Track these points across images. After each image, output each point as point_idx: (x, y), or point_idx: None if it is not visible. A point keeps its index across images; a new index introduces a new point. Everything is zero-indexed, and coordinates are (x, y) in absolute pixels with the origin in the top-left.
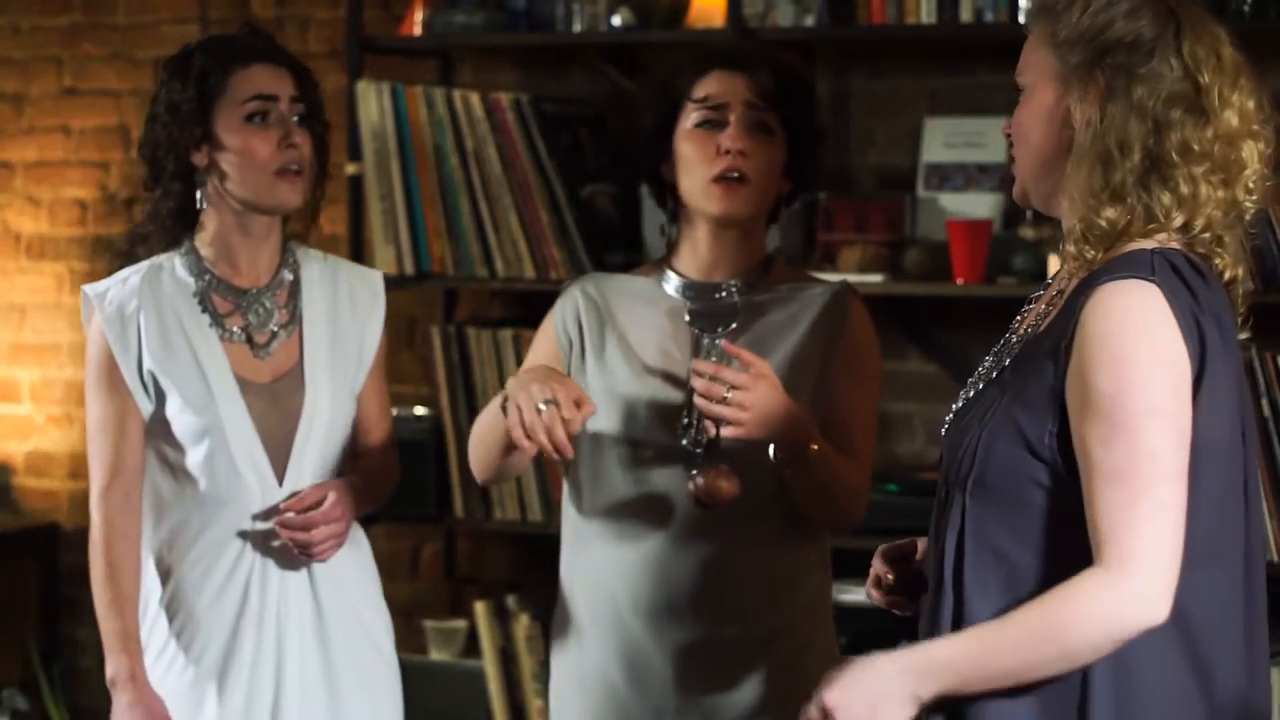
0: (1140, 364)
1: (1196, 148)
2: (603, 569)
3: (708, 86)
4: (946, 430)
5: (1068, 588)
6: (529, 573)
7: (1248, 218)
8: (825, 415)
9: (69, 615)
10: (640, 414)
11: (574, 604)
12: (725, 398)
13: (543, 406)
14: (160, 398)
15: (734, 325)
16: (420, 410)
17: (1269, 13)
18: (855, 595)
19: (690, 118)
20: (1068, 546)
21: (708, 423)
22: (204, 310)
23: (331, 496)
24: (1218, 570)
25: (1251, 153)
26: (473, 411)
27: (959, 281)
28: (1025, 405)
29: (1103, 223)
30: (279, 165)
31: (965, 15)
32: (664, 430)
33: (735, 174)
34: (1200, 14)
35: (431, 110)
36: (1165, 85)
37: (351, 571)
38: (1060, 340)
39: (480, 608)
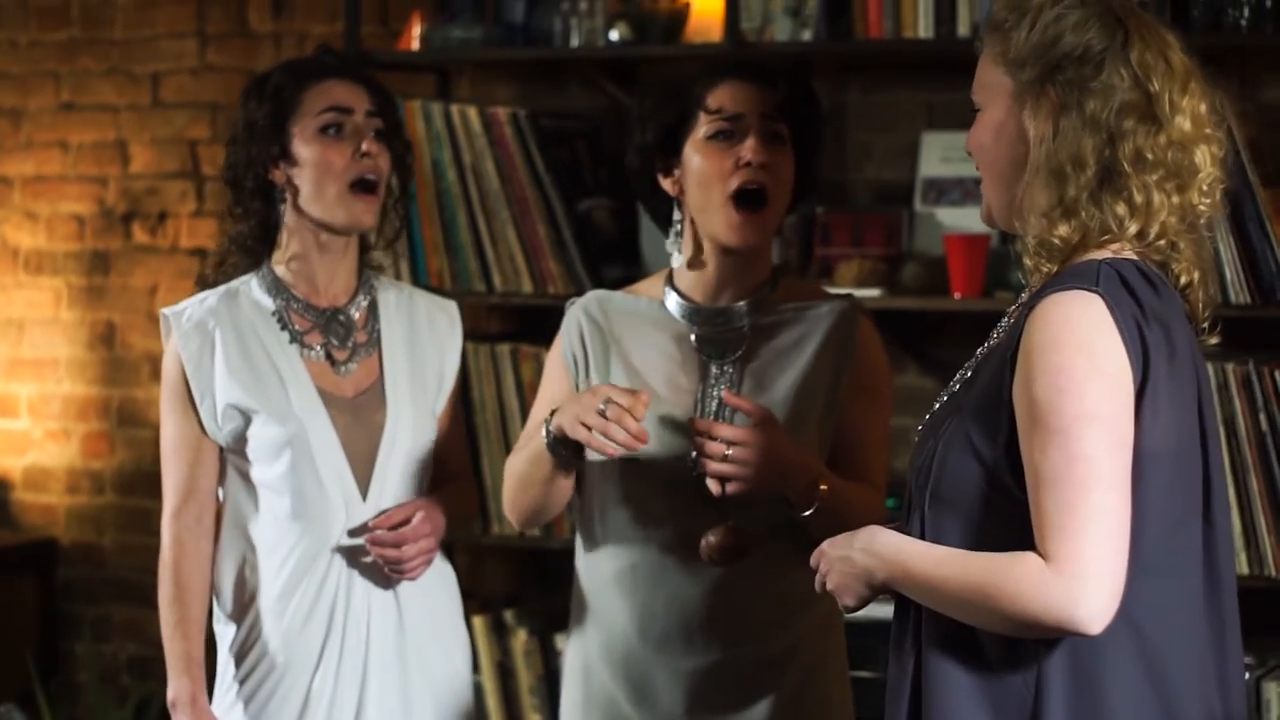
0: (1076, 371)
1: (1150, 156)
2: (612, 594)
3: (721, 97)
4: (915, 443)
5: (1014, 558)
6: (527, 588)
7: (1203, 221)
8: (838, 438)
9: (66, 630)
10: (650, 443)
11: (584, 628)
12: (726, 455)
13: (607, 410)
14: (243, 417)
15: (741, 351)
16: None
17: (1265, 27)
18: (860, 611)
19: (703, 129)
20: None
21: (711, 482)
22: (283, 328)
23: (419, 514)
24: (1171, 580)
25: (1205, 157)
26: (470, 426)
27: (956, 296)
28: (977, 418)
29: (1056, 240)
30: (354, 176)
31: (962, 29)
32: (673, 459)
33: (755, 186)
34: (1148, 21)
35: (429, 125)
36: (1117, 96)
37: (438, 593)
38: (1007, 352)
39: (478, 622)
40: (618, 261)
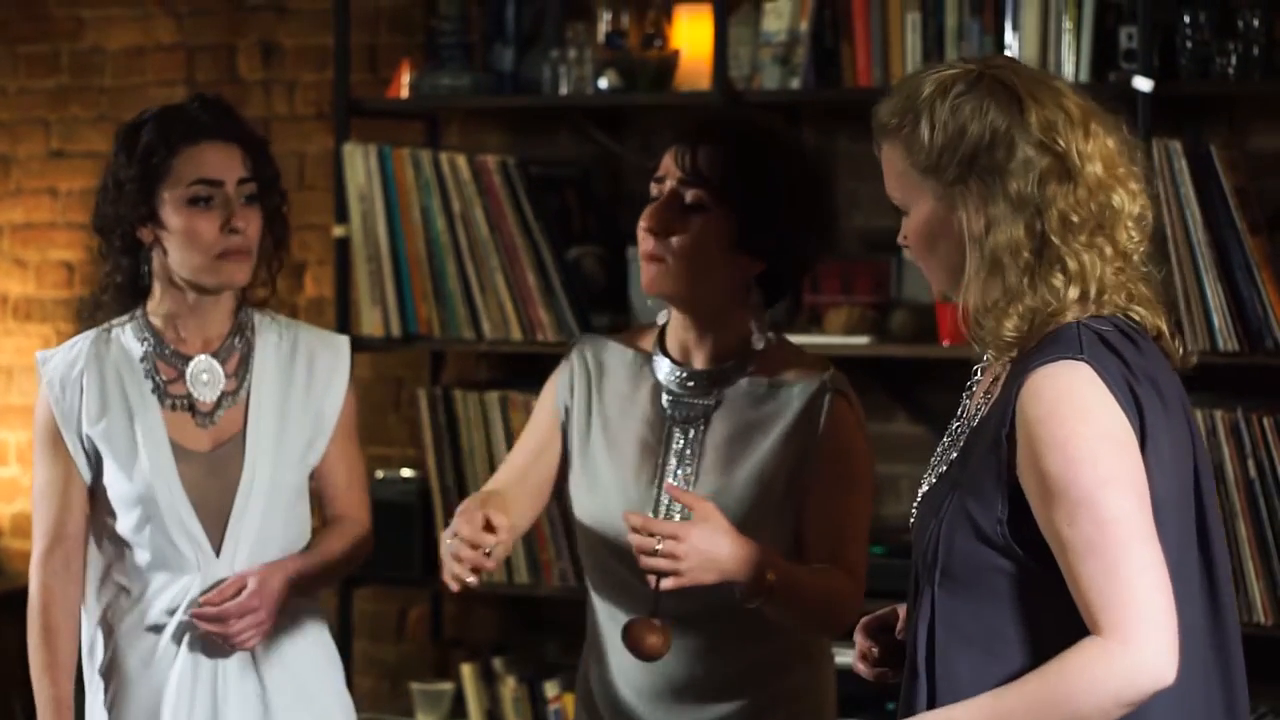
0: (1083, 439)
1: (1075, 218)
2: (601, 647)
3: (660, 161)
4: (914, 518)
5: (1069, 659)
6: (515, 635)
7: (1136, 258)
8: (808, 523)
9: None
10: (614, 505)
11: (586, 681)
12: (656, 550)
13: (450, 542)
14: (99, 463)
15: (706, 425)
16: (407, 472)
17: (1252, 75)
18: (848, 659)
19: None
20: (1039, 629)
21: (648, 576)
22: (147, 376)
23: (251, 585)
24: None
25: (1123, 197)
26: (459, 474)
27: (944, 343)
28: (975, 496)
29: (1008, 336)
30: (221, 249)
31: None
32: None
33: (648, 248)
34: (1033, 75)
35: (418, 172)
36: (1034, 167)
37: (302, 652)
38: (1000, 430)
39: (467, 670)
40: (606, 309)
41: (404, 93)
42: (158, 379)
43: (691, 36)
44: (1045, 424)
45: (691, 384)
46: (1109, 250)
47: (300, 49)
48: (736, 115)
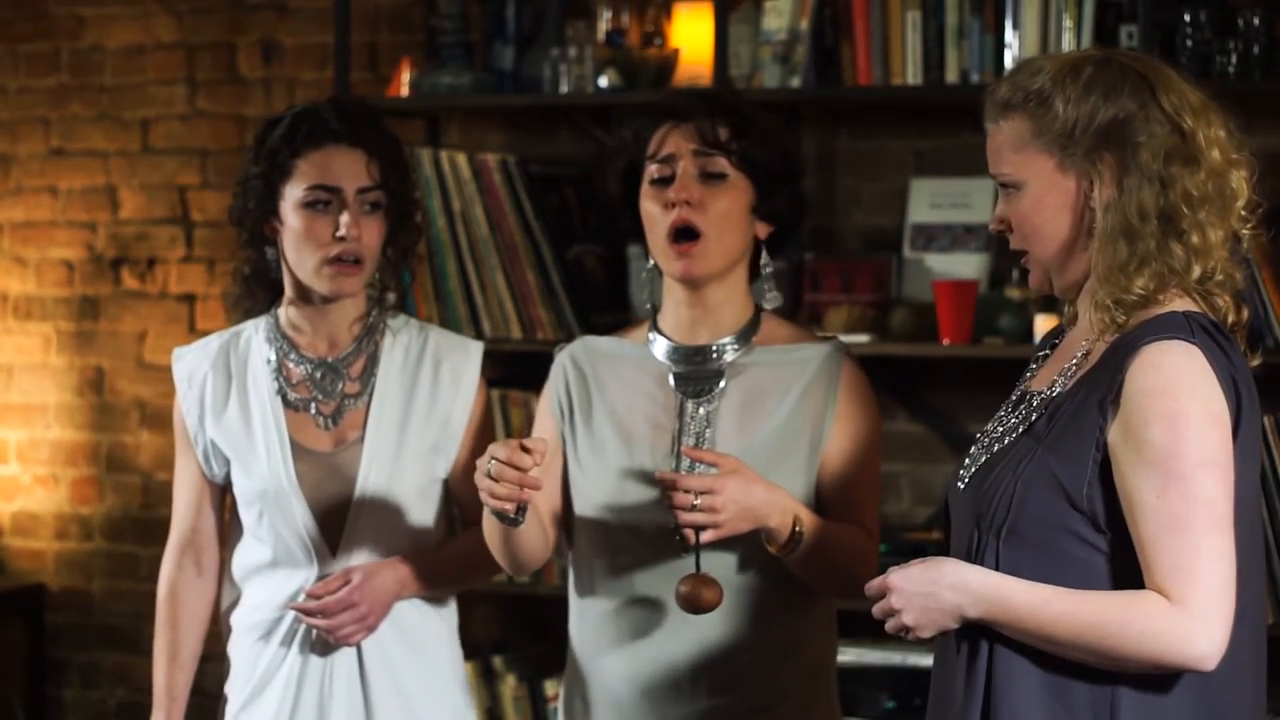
0: (1192, 417)
1: (1196, 193)
2: (600, 642)
3: (658, 142)
4: (969, 482)
5: (1134, 597)
6: (516, 634)
7: (1245, 246)
8: (827, 483)
9: (55, 676)
10: (631, 486)
11: (573, 676)
12: (695, 505)
13: (490, 467)
14: (226, 462)
15: (720, 387)
16: None
17: (1252, 74)
18: (847, 656)
19: (647, 176)
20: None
21: (687, 531)
22: (275, 378)
23: (355, 579)
24: (1242, 626)
25: (1240, 182)
26: None
27: (945, 342)
28: (1063, 458)
29: (1135, 294)
30: (334, 253)
31: (951, 76)
32: (655, 502)
33: (683, 225)
34: (1159, 65)
35: (418, 171)
36: (1160, 144)
37: (405, 655)
38: (1105, 396)
39: (466, 669)
40: (606, 307)
41: (404, 91)
42: (282, 380)
43: (691, 35)
44: (1158, 396)
45: (699, 358)
46: (1222, 231)
47: (300, 48)
48: (716, 89)
